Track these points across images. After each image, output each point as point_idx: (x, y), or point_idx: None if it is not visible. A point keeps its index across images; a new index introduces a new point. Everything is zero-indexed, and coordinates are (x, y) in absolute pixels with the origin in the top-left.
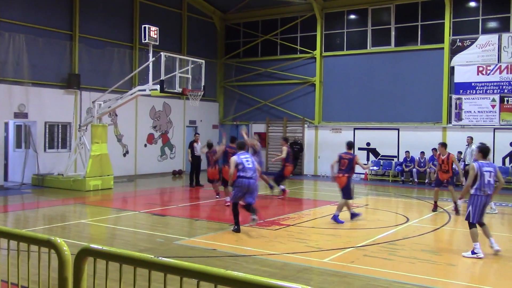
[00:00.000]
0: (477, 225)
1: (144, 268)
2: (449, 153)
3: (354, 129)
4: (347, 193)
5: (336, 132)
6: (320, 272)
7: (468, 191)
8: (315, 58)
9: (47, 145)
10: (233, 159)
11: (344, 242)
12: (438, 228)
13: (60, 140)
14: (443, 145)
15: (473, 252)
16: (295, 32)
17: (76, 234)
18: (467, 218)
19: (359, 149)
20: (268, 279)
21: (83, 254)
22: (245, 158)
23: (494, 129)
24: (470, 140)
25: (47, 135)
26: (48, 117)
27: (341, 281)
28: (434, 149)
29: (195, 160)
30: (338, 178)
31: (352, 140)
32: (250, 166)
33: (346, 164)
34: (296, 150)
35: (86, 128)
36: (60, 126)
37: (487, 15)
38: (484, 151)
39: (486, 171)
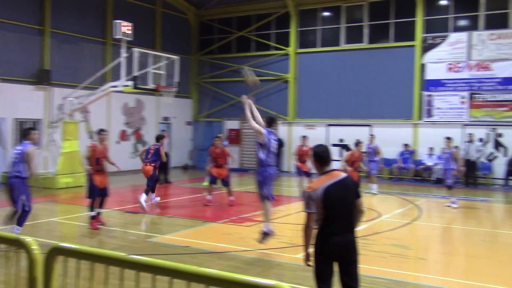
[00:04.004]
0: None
1: (116, 267)
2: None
3: (328, 125)
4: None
5: (310, 129)
6: (293, 268)
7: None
8: (289, 55)
9: (16, 142)
10: None
11: None
12: (409, 223)
13: None
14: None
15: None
16: (270, 29)
17: (47, 232)
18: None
19: (333, 145)
20: (241, 275)
21: (54, 253)
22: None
23: (464, 125)
24: (471, 137)
25: (16, 132)
26: (17, 114)
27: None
28: (405, 145)
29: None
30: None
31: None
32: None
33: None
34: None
35: (57, 125)
36: (30, 123)
37: (457, 13)
38: (268, 120)
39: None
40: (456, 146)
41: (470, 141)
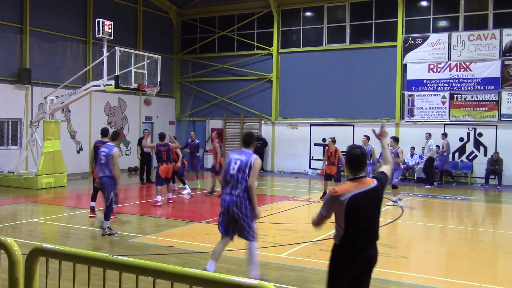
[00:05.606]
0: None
1: (98, 267)
2: (336, 148)
3: (310, 125)
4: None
5: (293, 128)
6: (277, 267)
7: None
8: (272, 54)
9: None
10: None
11: (301, 237)
12: (391, 222)
13: (10, 136)
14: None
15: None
16: (252, 29)
17: (28, 233)
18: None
19: (315, 145)
20: (225, 275)
21: (35, 253)
22: None
23: (445, 125)
24: (428, 136)
25: None
26: None
27: (298, 276)
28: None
29: (145, 157)
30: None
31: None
32: None
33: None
34: (259, 145)
35: (38, 125)
36: (10, 123)
37: (437, 14)
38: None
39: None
40: (438, 145)
41: (428, 140)
